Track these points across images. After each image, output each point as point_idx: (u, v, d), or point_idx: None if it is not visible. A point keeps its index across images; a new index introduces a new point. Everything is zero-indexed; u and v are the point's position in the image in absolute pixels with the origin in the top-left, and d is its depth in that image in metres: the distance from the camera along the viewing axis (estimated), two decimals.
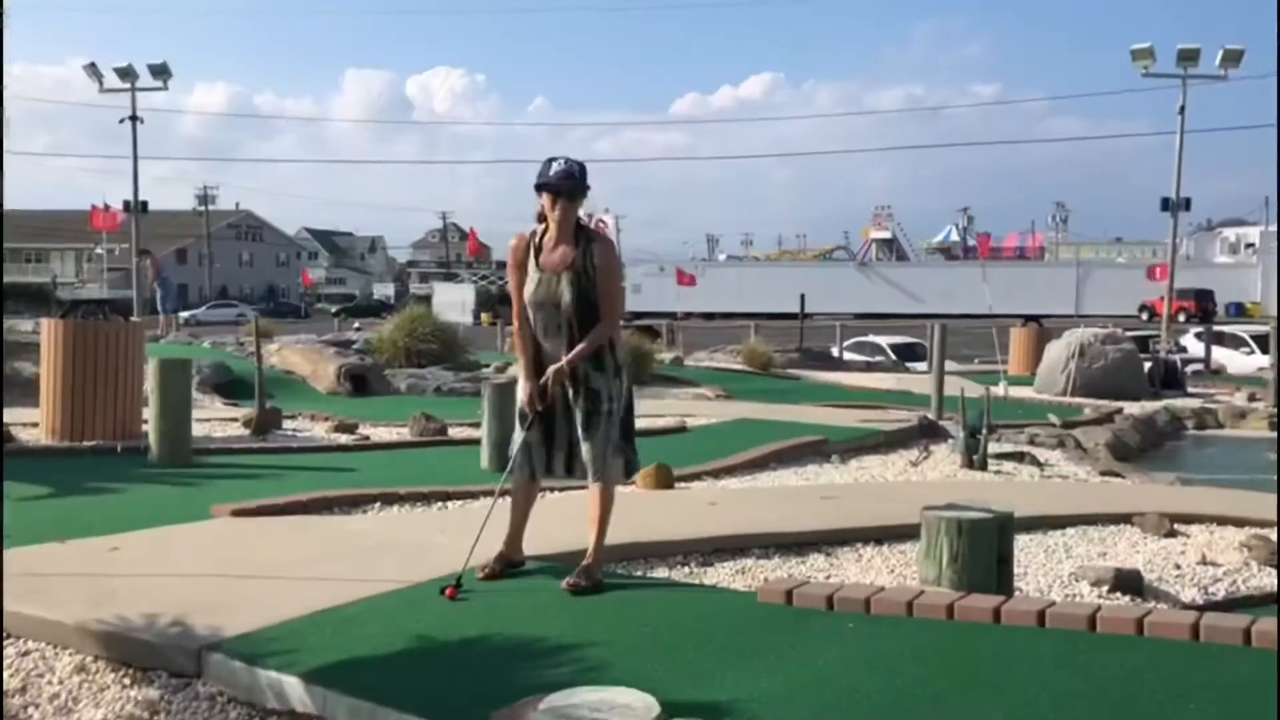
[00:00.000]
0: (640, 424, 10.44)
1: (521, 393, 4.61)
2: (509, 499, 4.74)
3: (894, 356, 24.29)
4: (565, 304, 4.46)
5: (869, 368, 21.88)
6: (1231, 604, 5.02)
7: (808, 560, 5.64)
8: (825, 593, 4.25)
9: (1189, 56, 25.17)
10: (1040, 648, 3.67)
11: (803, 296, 30.59)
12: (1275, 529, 6.12)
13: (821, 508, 6.68)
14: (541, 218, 4.58)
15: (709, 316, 51.21)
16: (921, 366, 21.07)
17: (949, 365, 14.29)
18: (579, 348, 4.45)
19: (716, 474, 7.99)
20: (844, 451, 9.23)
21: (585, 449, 4.52)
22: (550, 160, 4.53)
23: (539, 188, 4.52)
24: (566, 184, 4.48)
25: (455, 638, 3.87)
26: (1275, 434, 12.22)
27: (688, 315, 49.64)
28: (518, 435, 4.64)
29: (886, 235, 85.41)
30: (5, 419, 9.27)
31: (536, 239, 4.58)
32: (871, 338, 27.07)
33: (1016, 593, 4.74)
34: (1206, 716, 3.06)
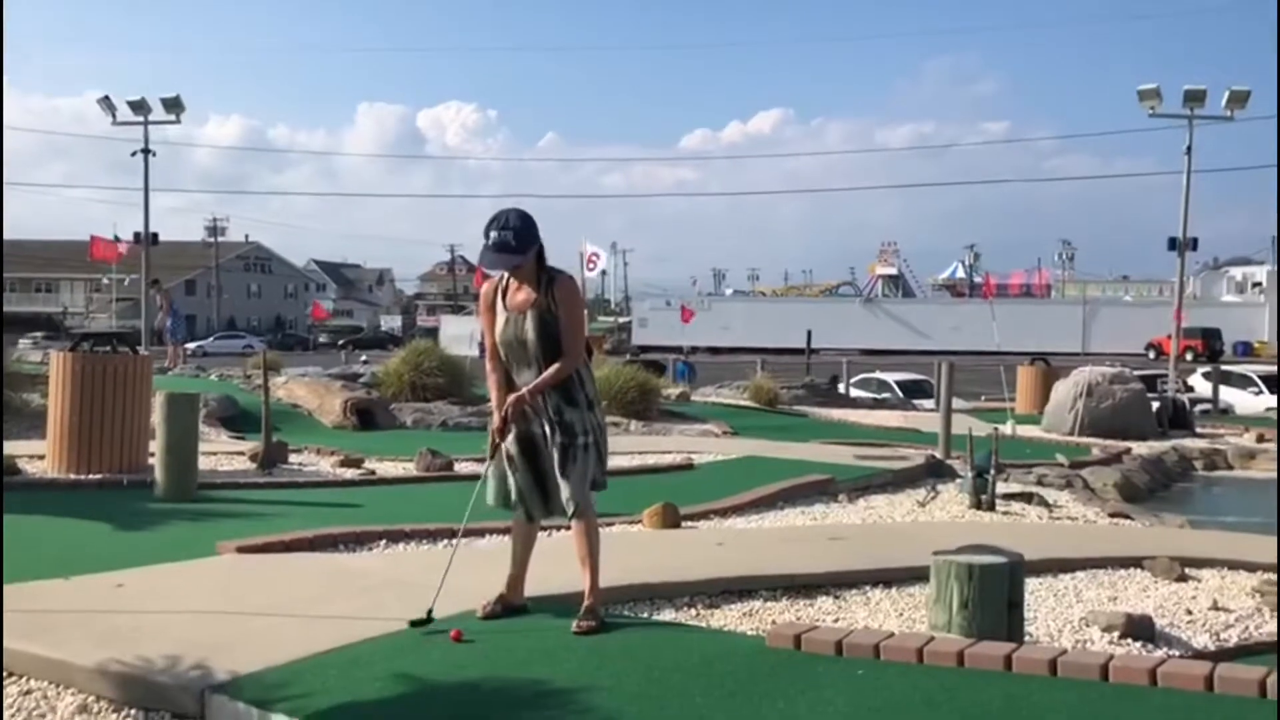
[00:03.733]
0: (647, 461, 10.57)
1: (492, 424, 4.70)
2: (509, 536, 4.75)
3: (901, 394, 24.26)
4: (531, 341, 4.55)
5: (876, 404, 21.84)
6: (1244, 651, 4.97)
7: (815, 603, 5.59)
8: (834, 638, 4.21)
9: (1195, 98, 25.33)
10: (1053, 697, 3.63)
11: (809, 333, 30.67)
12: None
13: (829, 549, 6.64)
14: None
15: (715, 351, 51.24)
16: (928, 404, 21.03)
17: (956, 403, 14.25)
18: (539, 378, 4.53)
19: (724, 513, 7.96)
20: (851, 491, 9.18)
21: (564, 486, 4.55)
22: (489, 226, 4.48)
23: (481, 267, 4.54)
24: (507, 261, 4.51)
25: (460, 680, 3.83)
26: None
27: (694, 350, 49.66)
28: (487, 469, 4.71)
29: (893, 271, 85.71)
30: (12, 451, 9.29)
31: (504, 282, 4.68)
32: (878, 374, 27.05)
33: (1027, 638, 4.69)
34: None
